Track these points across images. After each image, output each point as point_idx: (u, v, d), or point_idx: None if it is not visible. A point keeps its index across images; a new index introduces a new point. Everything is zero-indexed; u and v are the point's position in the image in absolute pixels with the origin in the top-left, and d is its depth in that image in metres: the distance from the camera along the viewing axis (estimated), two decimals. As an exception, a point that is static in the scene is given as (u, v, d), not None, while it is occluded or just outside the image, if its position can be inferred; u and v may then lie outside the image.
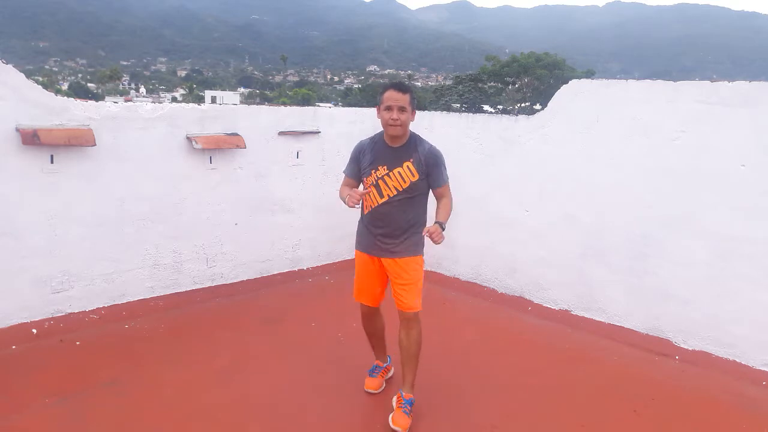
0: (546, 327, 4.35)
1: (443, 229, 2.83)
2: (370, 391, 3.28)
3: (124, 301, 4.22)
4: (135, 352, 3.61)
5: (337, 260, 5.56)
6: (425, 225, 3.03)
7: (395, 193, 2.94)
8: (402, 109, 2.86)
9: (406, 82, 3.43)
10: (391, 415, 2.96)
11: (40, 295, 3.82)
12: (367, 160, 3.01)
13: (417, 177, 2.94)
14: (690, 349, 3.87)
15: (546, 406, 3.20)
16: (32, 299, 3.80)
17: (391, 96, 2.87)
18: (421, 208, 3.05)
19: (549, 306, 4.62)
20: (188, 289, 4.56)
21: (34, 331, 3.76)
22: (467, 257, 5.21)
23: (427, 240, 2.93)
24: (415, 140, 3.01)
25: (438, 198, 3.04)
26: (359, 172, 3.06)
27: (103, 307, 4.12)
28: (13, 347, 3.58)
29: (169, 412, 2.98)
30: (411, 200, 2.97)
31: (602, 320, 4.31)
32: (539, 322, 4.43)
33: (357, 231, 3.16)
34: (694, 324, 3.85)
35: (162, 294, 4.41)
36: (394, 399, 3.05)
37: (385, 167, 2.95)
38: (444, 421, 3.03)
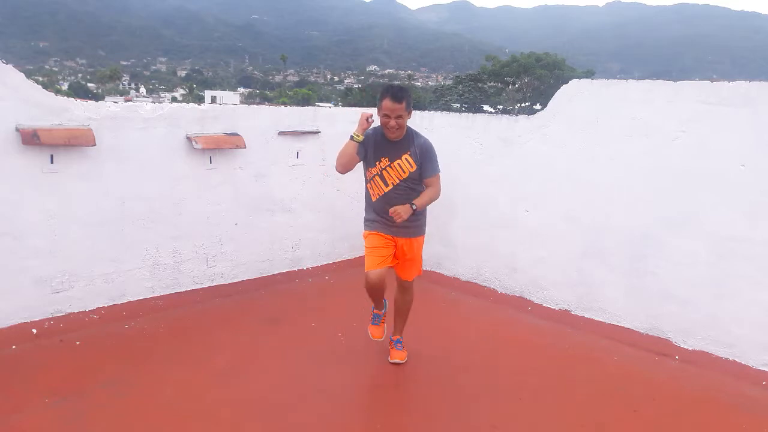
0: (546, 327, 4.34)
1: (414, 210, 3.19)
2: (377, 340, 3.66)
3: (124, 301, 4.22)
4: (135, 352, 3.61)
5: (337, 260, 5.56)
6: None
7: (397, 182, 3.31)
8: (399, 117, 3.19)
9: (403, 84, 3.96)
10: (389, 356, 3.61)
11: (40, 295, 3.82)
12: (371, 151, 3.33)
13: (415, 168, 3.30)
14: (690, 349, 3.87)
15: (546, 406, 3.20)
16: (32, 299, 3.80)
17: (388, 106, 3.17)
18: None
19: (549, 306, 4.62)
20: (188, 289, 4.55)
21: (34, 331, 3.76)
22: (467, 257, 5.21)
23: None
24: (411, 134, 3.36)
25: (426, 186, 3.37)
26: (365, 153, 3.34)
27: (103, 307, 4.12)
28: (13, 347, 3.58)
29: (169, 412, 2.98)
30: (413, 187, 3.34)
31: (602, 320, 4.30)
32: (539, 322, 4.43)
33: (367, 217, 3.47)
34: (694, 324, 3.85)
35: (162, 294, 4.41)
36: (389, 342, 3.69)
37: (387, 159, 3.31)
38: (444, 421, 3.03)
